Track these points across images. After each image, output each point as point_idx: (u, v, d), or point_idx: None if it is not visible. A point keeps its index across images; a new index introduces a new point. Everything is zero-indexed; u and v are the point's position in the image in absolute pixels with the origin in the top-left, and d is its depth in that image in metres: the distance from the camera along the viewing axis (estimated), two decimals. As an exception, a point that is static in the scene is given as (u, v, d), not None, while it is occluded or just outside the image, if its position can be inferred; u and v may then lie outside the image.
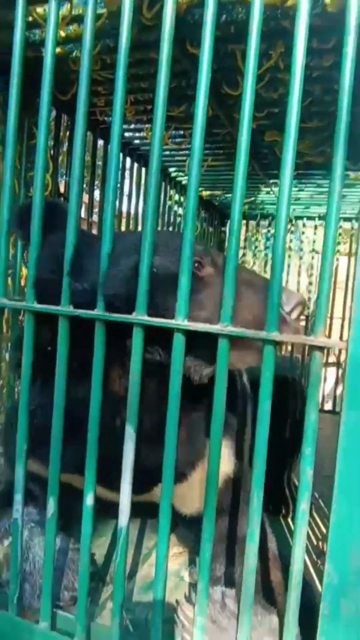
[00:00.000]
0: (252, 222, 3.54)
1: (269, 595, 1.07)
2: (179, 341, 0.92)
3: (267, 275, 0.97)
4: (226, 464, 1.25)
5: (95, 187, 2.16)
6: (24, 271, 1.68)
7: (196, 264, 1.07)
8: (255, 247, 3.46)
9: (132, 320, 0.94)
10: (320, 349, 0.83)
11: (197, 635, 0.93)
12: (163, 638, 0.96)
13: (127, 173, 2.40)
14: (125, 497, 0.97)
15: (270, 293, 0.86)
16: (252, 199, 2.97)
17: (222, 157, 2.34)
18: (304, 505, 0.85)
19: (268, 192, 2.81)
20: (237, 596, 1.02)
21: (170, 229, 2.72)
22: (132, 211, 2.46)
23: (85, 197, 2.22)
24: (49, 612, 1.07)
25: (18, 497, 1.07)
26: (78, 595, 1.03)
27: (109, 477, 1.04)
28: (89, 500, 1.00)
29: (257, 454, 0.88)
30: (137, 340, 0.95)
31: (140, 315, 0.93)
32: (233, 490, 1.25)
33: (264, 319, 0.86)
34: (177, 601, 1.06)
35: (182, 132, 2.07)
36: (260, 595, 1.06)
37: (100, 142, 2.14)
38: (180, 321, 0.91)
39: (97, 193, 2.26)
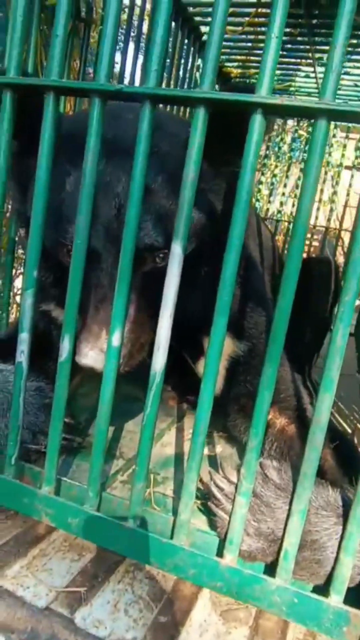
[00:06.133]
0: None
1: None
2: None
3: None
4: None
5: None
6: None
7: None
8: (279, 149, 3.09)
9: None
10: None
11: (241, 503, 0.77)
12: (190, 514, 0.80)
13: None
14: (164, 333, 0.77)
15: None
16: (287, 83, 2.57)
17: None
18: None
19: (307, 75, 2.42)
20: (281, 469, 0.86)
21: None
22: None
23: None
24: (54, 477, 0.90)
25: (24, 336, 0.87)
26: (91, 463, 0.86)
27: None
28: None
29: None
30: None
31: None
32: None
33: None
34: (210, 472, 0.90)
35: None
36: None
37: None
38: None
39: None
